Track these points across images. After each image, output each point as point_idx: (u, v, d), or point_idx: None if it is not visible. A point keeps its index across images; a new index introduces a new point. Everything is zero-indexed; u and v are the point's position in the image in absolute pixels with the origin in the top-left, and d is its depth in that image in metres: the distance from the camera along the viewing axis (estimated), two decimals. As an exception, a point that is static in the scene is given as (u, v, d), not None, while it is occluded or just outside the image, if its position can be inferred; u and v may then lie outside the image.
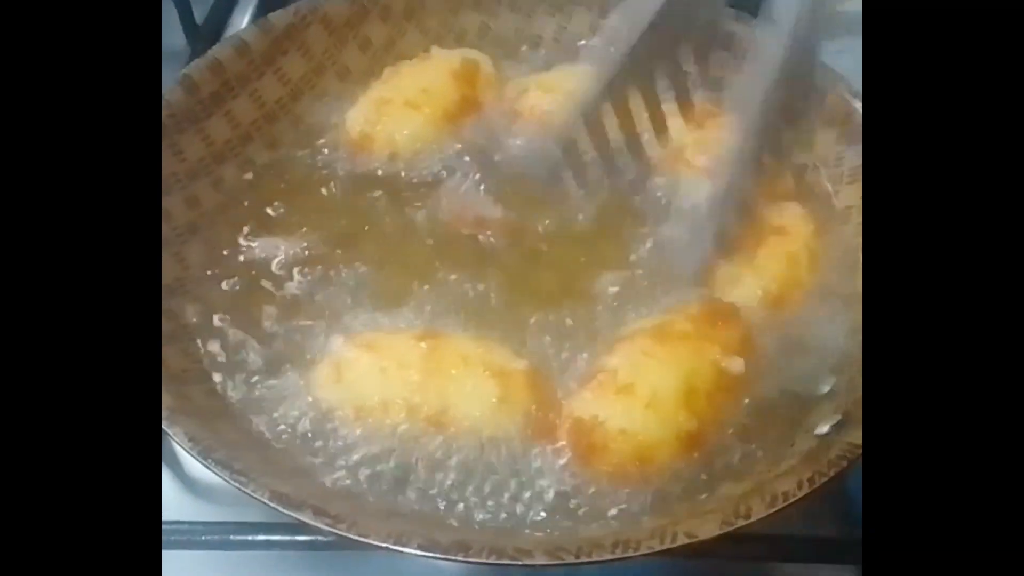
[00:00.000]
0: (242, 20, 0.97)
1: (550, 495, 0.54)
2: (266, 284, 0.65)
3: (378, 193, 0.71)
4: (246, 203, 0.70)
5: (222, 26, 0.97)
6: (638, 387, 0.55)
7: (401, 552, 0.47)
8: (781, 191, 0.67)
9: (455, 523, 0.53)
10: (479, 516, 0.54)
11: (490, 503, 0.54)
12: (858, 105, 0.68)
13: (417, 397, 0.56)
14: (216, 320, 0.63)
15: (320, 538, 0.55)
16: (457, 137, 0.73)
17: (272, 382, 0.60)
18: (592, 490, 0.55)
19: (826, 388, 0.59)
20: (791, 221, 0.66)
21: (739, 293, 0.62)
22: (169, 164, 0.67)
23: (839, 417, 0.55)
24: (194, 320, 0.63)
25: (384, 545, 0.47)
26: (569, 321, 0.62)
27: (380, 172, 0.72)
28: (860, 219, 0.66)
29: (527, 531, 0.53)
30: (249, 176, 0.72)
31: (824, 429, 0.55)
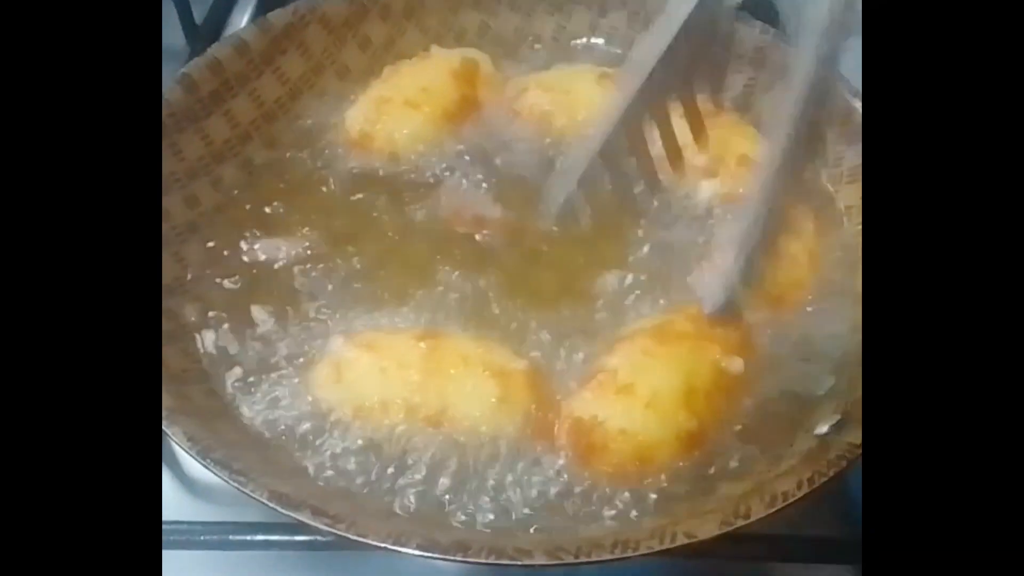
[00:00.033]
0: (241, 19, 0.97)
1: (550, 495, 0.54)
2: (265, 283, 0.65)
3: (378, 192, 0.71)
4: (245, 203, 0.70)
5: (221, 25, 0.97)
6: (638, 387, 0.55)
7: (400, 552, 0.47)
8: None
9: (454, 523, 0.53)
10: (478, 516, 0.54)
11: (489, 503, 0.54)
12: (858, 105, 0.67)
13: (417, 397, 0.56)
14: (215, 320, 0.63)
15: (319, 538, 0.55)
16: (457, 136, 0.73)
17: (271, 382, 0.60)
18: (592, 490, 0.55)
19: (826, 388, 0.59)
20: (791, 221, 0.66)
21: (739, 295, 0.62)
22: (168, 163, 0.67)
23: (839, 417, 0.55)
24: (193, 319, 0.62)
25: (383, 545, 0.47)
26: (569, 321, 0.62)
27: (379, 171, 0.72)
28: (860, 219, 0.67)
29: (526, 531, 0.53)
30: (248, 176, 0.71)
31: (824, 429, 0.55)
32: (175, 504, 0.62)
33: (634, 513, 0.54)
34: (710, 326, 0.58)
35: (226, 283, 0.65)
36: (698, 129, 0.54)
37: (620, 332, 0.61)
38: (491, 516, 0.54)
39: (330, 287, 0.64)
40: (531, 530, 0.53)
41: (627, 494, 0.54)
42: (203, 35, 0.92)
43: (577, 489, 0.55)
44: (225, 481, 0.50)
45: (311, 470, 0.55)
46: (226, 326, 0.62)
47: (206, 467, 0.50)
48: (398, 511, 0.54)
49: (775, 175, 0.45)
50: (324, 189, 0.71)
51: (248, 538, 0.58)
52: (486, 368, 0.57)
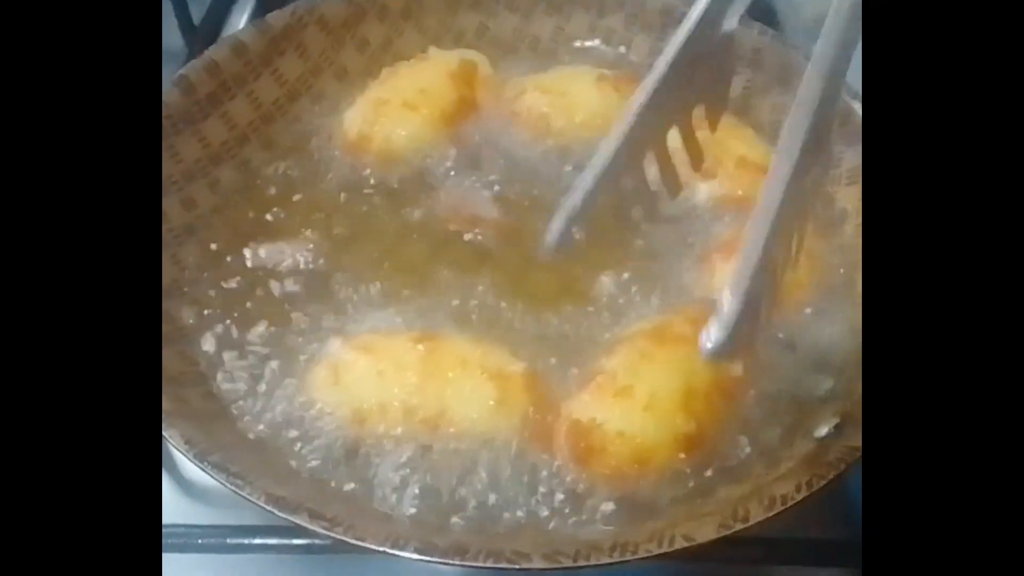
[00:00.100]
0: (239, 21, 0.97)
1: (548, 498, 0.54)
2: (263, 286, 0.65)
3: (375, 194, 0.71)
4: (243, 205, 0.70)
5: (219, 27, 0.97)
6: (636, 389, 0.55)
7: (398, 556, 0.47)
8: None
9: (452, 526, 0.53)
10: (476, 519, 0.53)
11: (487, 506, 0.54)
12: (857, 106, 0.67)
13: (415, 399, 0.56)
14: (212, 322, 0.62)
15: (317, 541, 0.55)
16: (455, 138, 0.73)
17: (269, 384, 0.59)
18: (590, 493, 0.54)
19: (824, 390, 0.59)
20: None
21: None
22: (166, 166, 0.66)
23: (838, 420, 0.55)
24: (191, 322, 0.62)
25: (381, 548, 0.47)
26: (567, 323, 0.62)
27: (377, 173, 0.71)
28: (859, 220, 0.66)
29: (525, 534, 0.53)
30: (246, 178, 0.71)
31: (823, 432, 0.55)
32: (172, 507, 0.62)
33: (632, 516, 0.53)
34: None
35: (223, 285, 0.65)
36: (697, 158, 0.54)
37: (618, 334, 0.61)
38: (489, 519, 0.53)
39: (327, 289, 0.64)
40: (529, 533, 0.53)
41: (625, 496, 0.54)
42: (201, 36, 0.92)
43: (575, 492, 0.55)
44: (222, 484, 0.50)
45: (309, 473, 0.55)
46: (223, 328, 0.62)
47: (203, 470, 0.50)
48: (396, 514, 0.54)
49: (779, 208, 0.44)
50: (321, 191, 0.71)
51: (245, 541, 0.58)
52: (484, 370, 0.57)
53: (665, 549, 0.47)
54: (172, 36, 0.90)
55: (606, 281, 0.64)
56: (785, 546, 0.57)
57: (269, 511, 0.48)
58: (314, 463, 0.56)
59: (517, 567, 0.47)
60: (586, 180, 0.49)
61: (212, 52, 0.72)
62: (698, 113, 0.53)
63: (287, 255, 0.66)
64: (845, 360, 0.59)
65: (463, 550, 0.47)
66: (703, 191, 0.68)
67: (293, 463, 0.56)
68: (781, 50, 0.75)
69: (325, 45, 0.77)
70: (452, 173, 0.71)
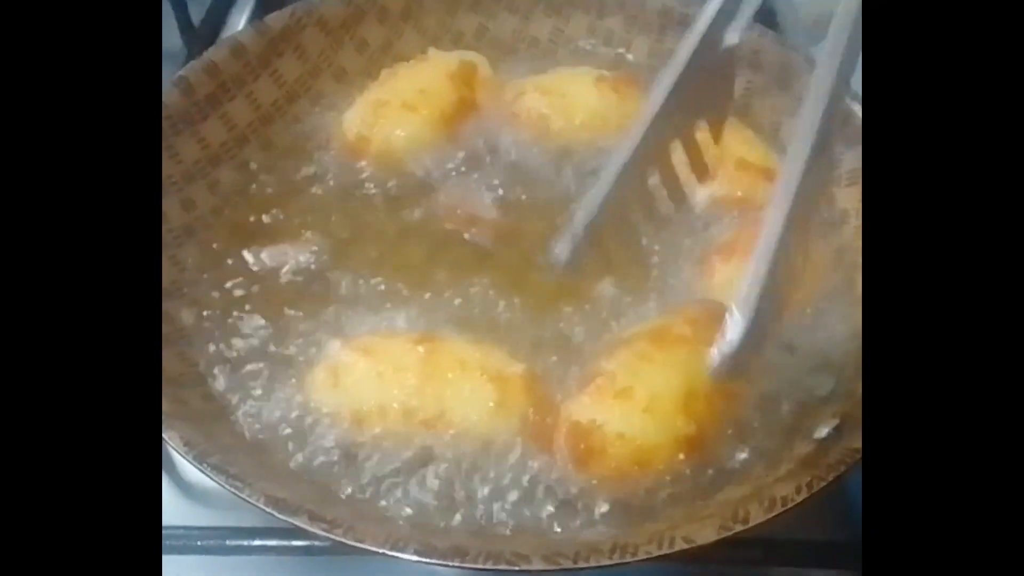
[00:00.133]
0: (238, 22, 0.97)
1: (548, 500, 0.54)
2: (262, 287, 0.65)
3: (375, 195, 0.70)
4: (242, 206, 0.70)
5: (218, 28, 0.97)
6: (636, 391, 0.55)
7: (398, 557, 0.47)
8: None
9: (452, 528, 0.53)
10: (476, 521, 0.53)
11: (487, 508, 0.54)
12: (857, 108, 0.67)
13: (414, 401, 0.56)
14: (211, 323, 0.62)
15: (316, 543, 0.55)
16: (454, 139, 0.73)
17: (268, 386, 0.59)
18: (590, 494, 0.54)
19: (824, 392, 0.59)
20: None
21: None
22: (165, 166, 0.66)
23: (838, 421, 0.55)
24: (190, 323, 0.62)
25: (380, 550, 0.47)
26: (567, 324, 0.62)
27: (376, 174, 0.71)
28: (858, 221, 0.66)
29: (524, 536, 0.53)
30: (245, 179, 0.71)
31: (823, 433, 0.55)
32: (172, 509, 0.62)
33: (632, 518, 0.53)
34: (709, 329, 0.58)
35: (222, 287, 0.65)
36: (702, 172, 0.54)
37: (618, 335, 0.60)
38: (489, 521, 0.53)
39: (327, 290, 0.64)
40: (529, 535, 0.53)
41: (625, 498, 0.54)
42: (200, 37, 0.92)
43: (575, 493, 0.54)
44: (222, 486, 0.50)
45: (308, 474, 0.55)
46: (223, 330, 0.62)
47: (203, 471, 0.50)
48: (395, 516, 0.53)
49: (785, 225, 0.44)
50: (320, 192, 0.71)
51: (245, 543, 0.58)
52: (483, 372, 0.57)
53: (665, 551, 0.47)
54: (171, 37, 0.90)
55: (606, 282, 0.64)
56: (785, 547, 0.57)
57: (269, 513, 0.48)
58: (314, 465, 0.56)
59: (517, 569, 0.47)
60: (592, 198, 0.49)
61: (211, 53, 0.72)
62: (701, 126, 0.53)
63: (286, 256, 0.66)
64: (845, 361, 0.59)
65: (463, 552, 0.47)
66: (702, 192, 0.68)
67: (293, 465, 0.56)
68: (781, 51, 0.75)
69: (324, 46, 0.77)
70: (452, 174, 0.71)
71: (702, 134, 0.53)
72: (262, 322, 0.62)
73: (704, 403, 0.55)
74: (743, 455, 0.56)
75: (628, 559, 0.47)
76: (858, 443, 0.50)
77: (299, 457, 0.56)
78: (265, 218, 0.69)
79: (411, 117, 0.72)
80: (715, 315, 0.59)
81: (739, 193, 0.68)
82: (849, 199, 0.68)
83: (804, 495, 0.49)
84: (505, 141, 0.73)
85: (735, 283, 0.61)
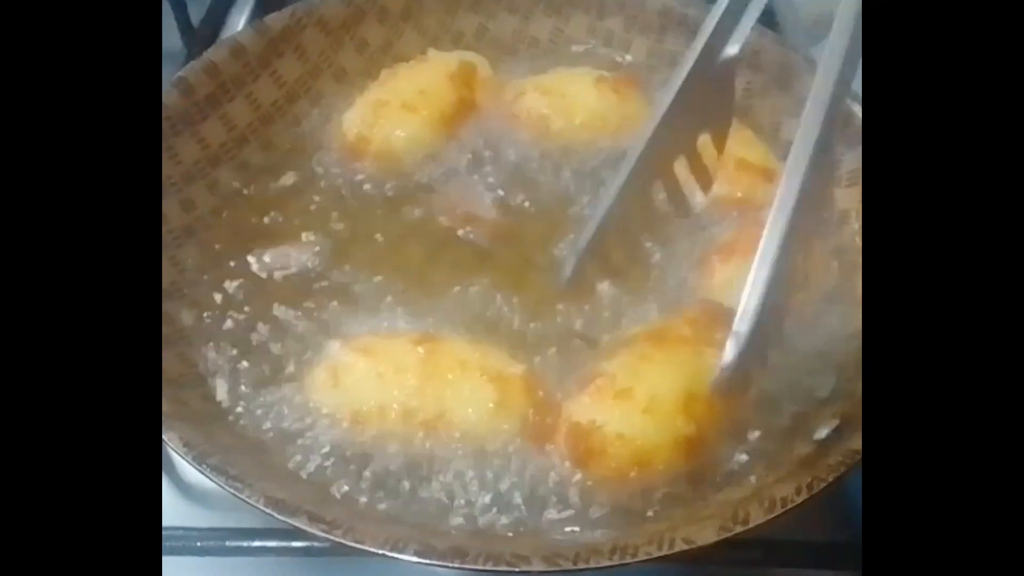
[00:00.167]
0: (238, 22, 0.97)
1: (547, 500, 0.54)
2: (262, 287, 0.65)
3: (375, 196, 0.70)
4: (242, 207, 0.70)
5: (218, 28, 0.97)
6: (636, 391, 0.55)
7: (397, 559, 0.47)
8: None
9: (452, 529, 0.53)
10: (476, 522, 0.53)
11: (487, 508, 0.54)
12: (857, 109, 0.67)
13: (414, 402, 0.56)
14: (211, 324, 0.62)
15: (316, 544, 0.55)
16: (454, 139, 0.73)
17: (268, 387, 0.59)
18: (589, 495, 0.54)
19: (824, 393, 0.58)
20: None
21: (737, 296, 0.61)
22: (165, 167, 0.66)
23: (837, 422, 0.55)
24: (190, 324, 0.62)
25: (380, 551, 0.47)
26: (567, 325, 0.62)
27: (377, 175, 0.71)
28: (858, 222, 0.66)
29: (524, 537, 0.53)
30: (245, 179, 0.71)
31: (823, 434, 0.54)
32: (171, 510, 0.62)
33: (632, 518, 0.53)
34: (708, 330, 0.58)
35: (222, 287, 0.65)
36: (706, 183, 0.54)
37: (618, 336, 0.60)
38: (488, 522, 0.53)
39: (327, 290, 0.64)
40: (529, 536, 0.53)
41: (625, 499, 0.54)
42: (199, 38, 0.92)
43: (575, 494, 0.54)
44: (221, 487, 0.50)
45: (308, 475, 0.55)
46: (222, 330, 0.62)
47: (202, 473, 0.50)
48: (395, 517, 0.53)
49: (785, 233, 0.44)
50: (320, 193, 0.71)
51: (245, 544, 0.58)
52: (483, 372, 0.57)
53: (665, 552, 0.47)
54: (171, 37, 0.90)
55: (606, 283, 0.64)
56: (785, 548, 0.57)
57: (268, 514, 0.48)
58: (313, 465, 0.55)
59: (517, 570, 0.47)
60: (597, 214, 0.49)
61: (211, 54, 0.72)
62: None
63: (286, 257, 0.66)
64: (845, 361, 0.59)
65: (462, 553, 0.47)
66: (702, 193, 0.68)
67: (292, 465, 0.56)
68: (781, 51, 0.75)
69: (324, 46, 0.77)
70: (451, 175, 0.71)
71: (705, 145, 0.53)
72: (262, 322, 0.62)
73: (704, 404, 0.55)
74: (743, 456, 0.56)
75: (628, 560, 0.47)
76: (858, 444, 0.50)
77: (299, 458, 0.56)
78: (265, 219, 0.69)
79: (411, 117, 0.72)
80: (715, 315, 0.59)
81: (739, 193, 0.68)
82: (849, 199, 0.68)
83: (804, 496, 0.49)
84: (505, 141, 0.73)
85: (735, 283, 0.62)
